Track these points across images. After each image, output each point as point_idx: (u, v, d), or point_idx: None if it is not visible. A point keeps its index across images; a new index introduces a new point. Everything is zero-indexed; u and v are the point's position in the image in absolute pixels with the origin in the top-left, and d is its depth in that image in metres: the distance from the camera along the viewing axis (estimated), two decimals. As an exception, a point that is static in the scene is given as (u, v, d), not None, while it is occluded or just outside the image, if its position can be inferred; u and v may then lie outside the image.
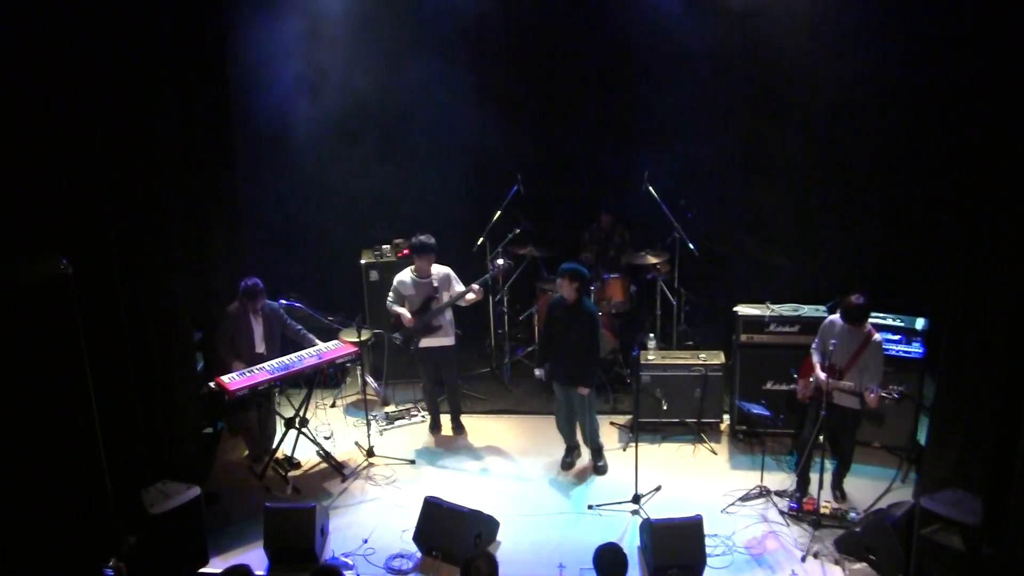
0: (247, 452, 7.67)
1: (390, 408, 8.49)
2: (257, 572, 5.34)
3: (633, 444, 7.19)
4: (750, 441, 7.72)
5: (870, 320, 6.58)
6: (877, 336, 6.49)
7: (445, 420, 8.18)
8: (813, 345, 6.85)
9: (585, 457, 7.55)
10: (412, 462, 7.63)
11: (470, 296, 7.58)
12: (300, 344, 7.48)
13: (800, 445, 6.89)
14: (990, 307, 5.98)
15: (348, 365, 7.78)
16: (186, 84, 7.05)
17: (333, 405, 8.64)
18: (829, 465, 6.95)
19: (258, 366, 7.11)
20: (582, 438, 7.46)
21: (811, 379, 6.72)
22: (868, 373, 6.40)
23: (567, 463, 7.50)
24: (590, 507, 6.94)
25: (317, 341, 7.54)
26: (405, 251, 8.48)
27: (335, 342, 7.61)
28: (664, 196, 8.44)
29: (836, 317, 6.62)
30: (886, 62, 8.09)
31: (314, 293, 8.56)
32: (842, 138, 8.59)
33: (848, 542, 6.30)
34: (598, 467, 7.42)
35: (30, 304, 5.38)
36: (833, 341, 6.43)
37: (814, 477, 6.67)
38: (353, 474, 7.44)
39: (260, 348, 7.33)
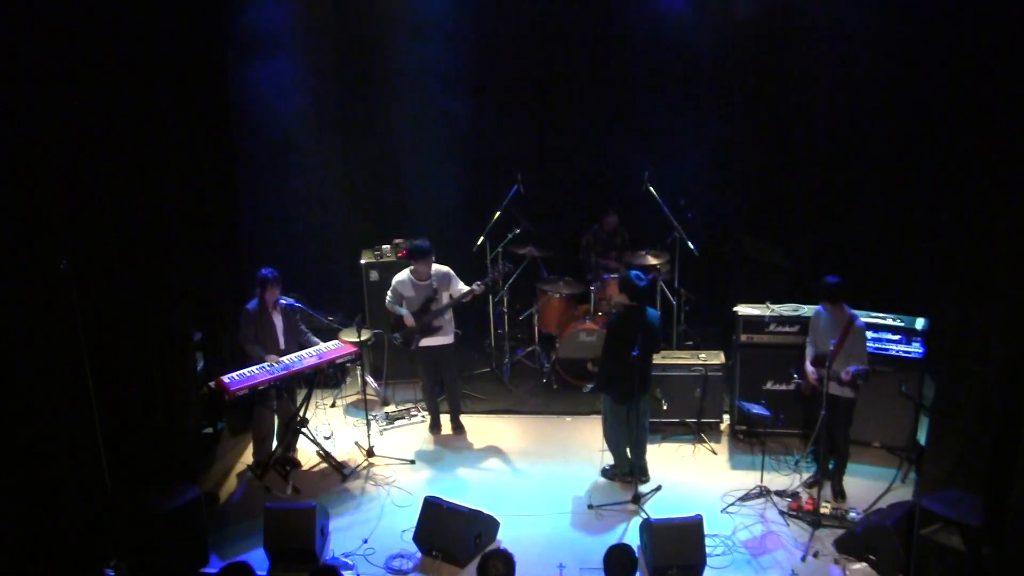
0: (251, 449, 7.65)
1: (390, 408, 8.48)
2: (257, 572, 5.35)
3: (633, 444, 7.19)
4: (750, 441, 7.71)
5: (870, 320, 6.57)
6: (859, 322, 6.54)
7: (445, 420, 8.18)
8: (808, 338, 6.94)
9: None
10: (412, 462, 7.63)
11: (474, 290, 7.62)
12: (303, 344, 7.49)
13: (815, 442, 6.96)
14: (990, 307, 5.98)
15: (348, 365, 7.77)
16: (186, 85, 7.04)
17: (333, 405, 8.64)
18: (829, 464, 6.97)
19: (257, 366, 7.11)
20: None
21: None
22: (853, 360, 6.49)
23: (605, 471, 7.35)
24: (590, 507, 6.94)
25: (319, 342, 7.55)
26: (405, 251, 8.48)
27: (335, 342, 7.61)
28: (664, 196, 8.45)
29: (820, 308, 6.68)
30: (887, 63, 8.11)
31: (314, 293, 8.55)
32: (842, 138, 8.60)
33: (848, 542, 6.30)
34: (606, 468, 7.34)
35: (30, 304, 5.38)
36: (833, 340, 6.45)
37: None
38: (353, 474, 7.44)
39: (283, 344, 7.35)
